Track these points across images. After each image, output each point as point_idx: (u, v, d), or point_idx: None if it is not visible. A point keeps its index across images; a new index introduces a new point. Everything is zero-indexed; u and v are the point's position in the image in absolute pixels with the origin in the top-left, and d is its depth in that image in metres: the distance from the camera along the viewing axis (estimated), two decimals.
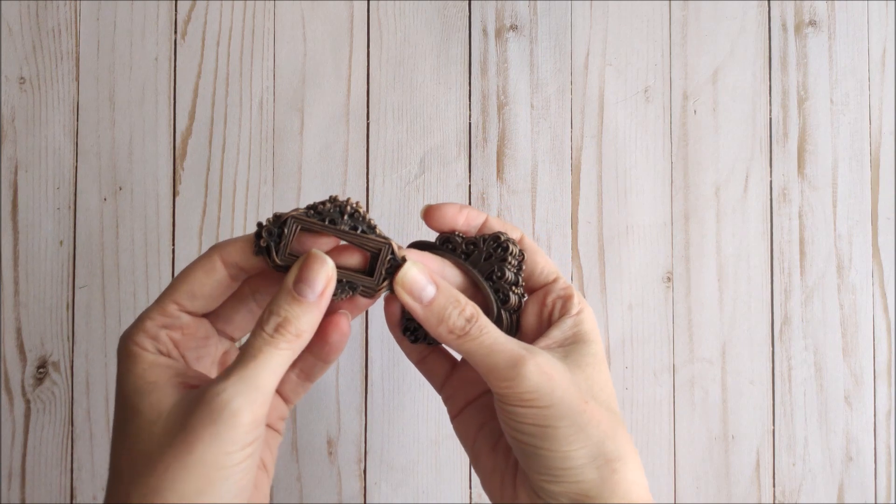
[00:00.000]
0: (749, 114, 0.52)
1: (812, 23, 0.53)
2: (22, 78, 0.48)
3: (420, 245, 0.35)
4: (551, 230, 0.50)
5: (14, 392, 0.47)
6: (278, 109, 0.49)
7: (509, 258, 0.33)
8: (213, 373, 0.31)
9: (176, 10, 0.49)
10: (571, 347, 0.32)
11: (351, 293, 0.30)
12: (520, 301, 0.34)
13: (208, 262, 0.29)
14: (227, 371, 0.26)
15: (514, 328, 0.34)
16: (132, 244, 0.48)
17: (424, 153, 0.50)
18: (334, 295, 0.29)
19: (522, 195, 0.50)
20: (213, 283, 0.29)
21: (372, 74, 0.50)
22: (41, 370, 0.47)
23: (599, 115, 0.51)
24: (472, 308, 0.30)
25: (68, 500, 0.47)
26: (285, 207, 0.49)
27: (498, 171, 0.50)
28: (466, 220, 0.34)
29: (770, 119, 0.52)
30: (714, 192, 0.52)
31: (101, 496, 0.47)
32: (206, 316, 0.31)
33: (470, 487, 0.49)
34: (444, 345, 0.34)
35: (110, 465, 0.28)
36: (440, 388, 0.36)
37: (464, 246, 0.34)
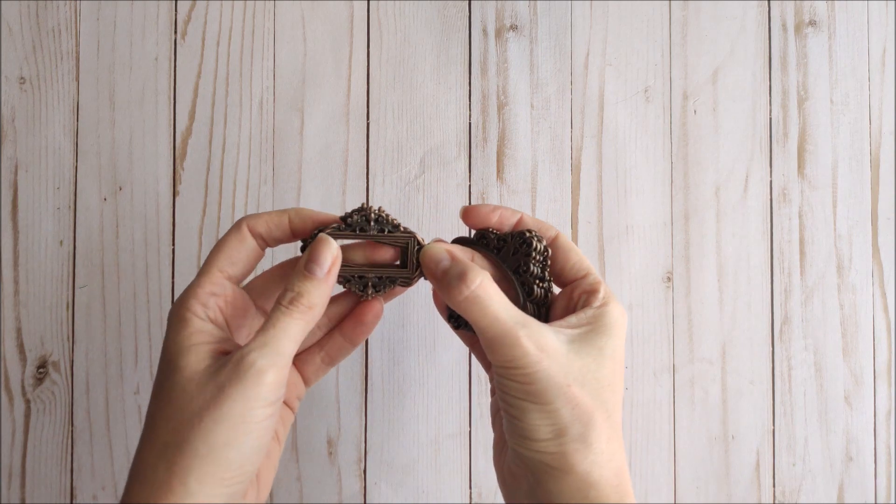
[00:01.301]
0: (749, 114, 0.52)
1: (812, 23, 0.53)
2: (22, 78, 0.48)
3: (458, 240, 0.38)
4: None
5: (14, 392, 0.47)
6: (278, 109, 0.49)
7: (533, 253, 0.36)
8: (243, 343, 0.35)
9: (176, 10, 0.49)
10: (582, 333, 0.33)
11: (392, 286, 0.36)
12: (545, 294, 0.36)
13: (239, 232, 0.34)
14: (253, 338, 0.30)
15: (541, 319, 0.36)
16: (132, 244, 0.48)
17: (424, 153, 0.50)
18: (377, 291, 0.35)
19: (522, 195, 0.50)
20: (245, 249, 0.34)
21: (372, 74, 0.50)
22: (41, 370, 0.47)
23: (599, 115, 0.51)
24: (481, 277, 0.32)
25: (68, 500, 0.47)
26: (285, 207, 0.49)
27: (498, 171, 0.50)
28: (500, 219, 0.37)
29: (770, 119, 0.52)
30: (714, 192, 0.52)
31: (101, 496, 0.47)
32: (246, 291, 0.35)
33: (470, 487, 0.49)
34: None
35: (147, 418, 0.31)
36: (488, 368, 0.38)
37: (496, 241, 0.37)
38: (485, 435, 0.49)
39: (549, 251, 0.37)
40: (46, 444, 0.47)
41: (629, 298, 0.51)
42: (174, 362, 0.30)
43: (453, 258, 0.34)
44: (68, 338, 0.48)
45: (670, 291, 0.51)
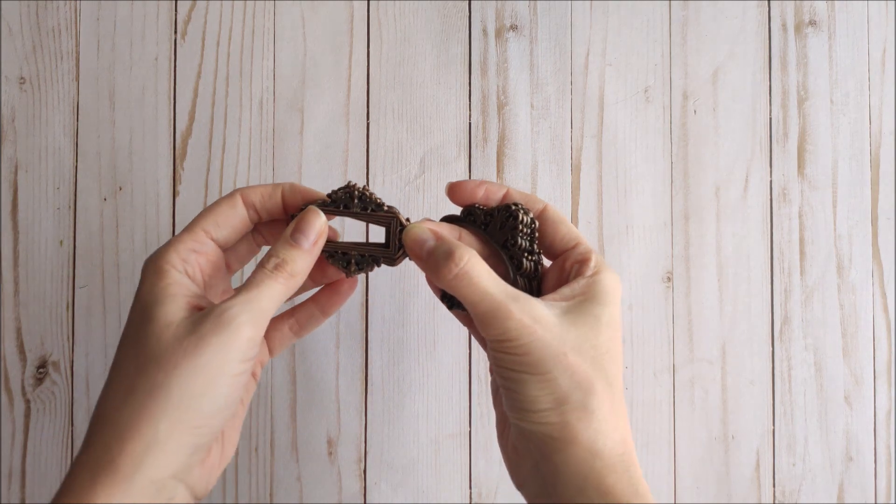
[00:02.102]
0: (749, 114, 0.52)
1: (812, 23, 0.53)
2: (22, 78, 0.48)
3: (446, 219, 0.38)
4: None
5: (14, 392, 0.47)
6: (278, 109, 0.49)
7: (519, 226, 0.35)
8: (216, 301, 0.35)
9: (176, 10, 0.49)
10: (576, 304, 0.33)
11: (375, 266, 0.36)
12: (535, 267, 0.36)
13: (232, 199, 0.35)
14: (234, 295, 0.31)
15: (534, 293, 0.36)
16: (132, 244, 0.48)
17: (424, 153, 0.50)
18: (360, 269, 0.36)
19: None
20: (234, 217, 0.34)
21: (372, 74, 0.50)
22: (41, 370, 0.47)
23: (599, 115, 0.51)
24: (468, 255, 0.32)
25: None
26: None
27: (498, 171, 0.50)
28: (486, 194, 0.37)
29: (770, 119, 0.52)
30: (714, 192, 0.52)
31: None
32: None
33: (470, 487, 0.49)
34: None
35: (114, 365, 0.31)
36: (486, 347, 0.38)
37: (483, 217, 0.37)
38: (485, 435, 0.49)
39: (537, 223, 0.36)
40: (46, 444, 0.47)
41: (629, 298, 0.51)
42: (149, 311, 0.30)
43: (438, 237, 0.34)
44: (68, 338, 0.48)
45: (670, 291, 0.51)
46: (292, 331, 0.38)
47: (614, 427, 0.32)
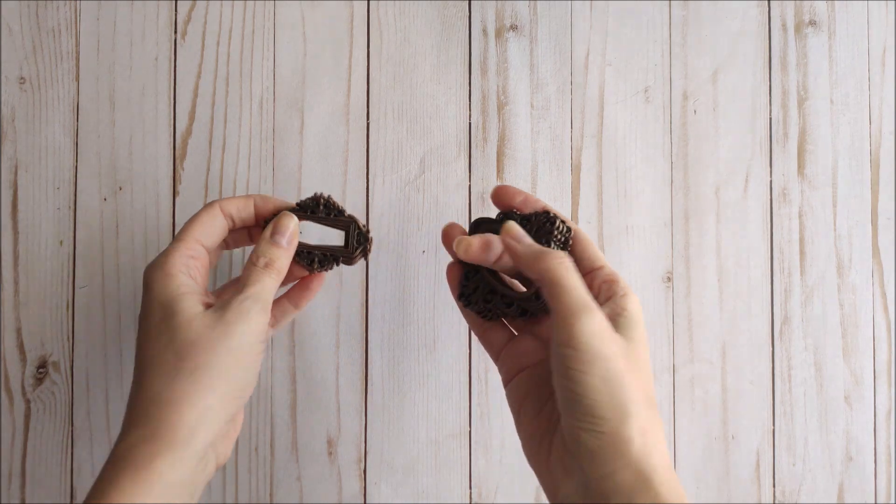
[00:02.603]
0: (749, 114, 0.52)
1: (812, 23, 0.53)
2: (22, 78, 0.48)
3: (482, 220, 0.41)
4: None
5: (14, 392, 0.47)
6: (278, 109, 0.49)
7: (555, 232, 0.38)
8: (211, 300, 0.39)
9: (176, 10, 0.49)
10: (619, 324, 0.35)
11: (335, 263, 0.41)
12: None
13: (212, 210, 0.39)
14: (241, 292, 0.36)
15: None
16: (132, 244, 0.48)
17: (424, 153, 0.50)
18: (322, 267, 0.41)
19: None
20: (217, 226, 0.39)
21: (372, 74, 0.50)
22: (41, 370, 0.47)
23: (599, 115, 0.51)
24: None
25: (68, 501, 0.47)
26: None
27: (498, 171, 0.50)
28: (524, 201, 0.41)
29: (770, 119, 0.52)
30: (714, 192, 0.52)
31: None
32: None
33: (470, 487, 0.49)
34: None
35: (145, 358, 0.35)
36: (496, 358, 0.41)
37: (519, 220, 0.39)
38: (485, 435, 0.49)
39: (571, 232, 0.39)
40: (46, 444, 0.47)
41: None
42: (172, 306, 0.35)
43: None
44: (68, 338, 0.48)
45: (670, 291, 0.51)
46: (269, 324, 0.41)
47: (661, 441, 0.33)
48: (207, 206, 0.40)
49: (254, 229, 0.43)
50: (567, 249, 0.38)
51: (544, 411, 0.37)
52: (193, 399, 0.33)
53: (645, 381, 0.34)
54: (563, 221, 0.39)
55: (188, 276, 0.37)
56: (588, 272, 0.38)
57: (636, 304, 0.36)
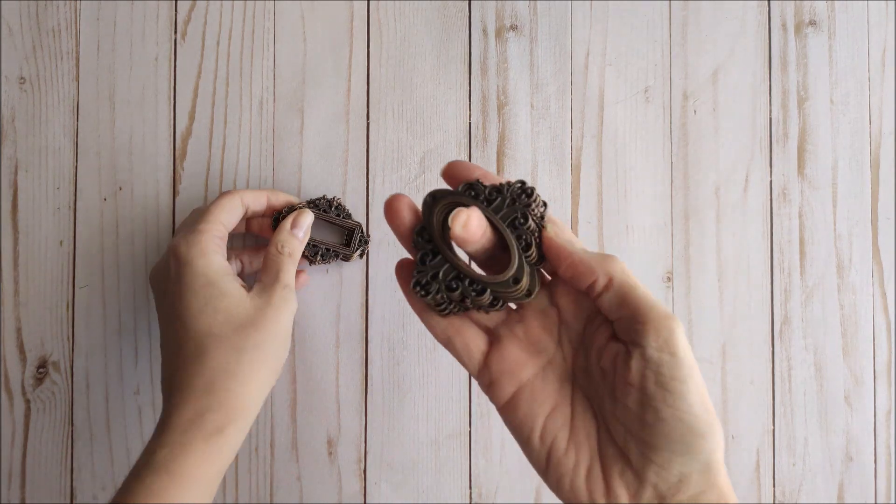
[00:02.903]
0: (749, 114, 0.52)
1: (812, 23, 0.53)
2: (22, 78, 0.48)
3: (440, 193, 0.33)
4: None
5: (14, 392, 0.47)
6: (278, 109, 0.49)
7: (533, 205, 0.32)
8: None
9: (176, 10, 0.49)
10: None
11: (335, 258, 0.47)
12: (540, 253, 0.32)
13: (234, 198, 0.43)
14: (277, 279, 0.41)
15: (535, 281, 0.32)
16: (132, 244, 0.48)
17: (424, 153, 0.50)
18: (324, 260, 0.46)
19: None
20: (235, 213, 0.43)
21: (372, 74, 0.50)
22: (41, 370, 0.47)
23: (599, 115, 0.51)
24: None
25: (68, 501, 0.47)
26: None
27: (498, 171, 0.50)
28: (484, 176, 0.34)
29: (770, 119, 0.52)
30: (714, 192, 0.52)
31: (101, 496, 0.47)
32: None
33: (470, 488, 0.49)
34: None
35: (202, 331, 0.38)
36: (478, 372, 0.33)
37: (487, 192, 0.32)
38: (485, 435, 0.49)
39: (547, 206, 0.33)
40: (46, 444, 0.47)
41: None
42: (220, 285, 0.39)
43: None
44: (68, 338, 0.48)
45: (670, 291, 0.51)
46: (236, 270, 0.47)
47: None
48: (228, 193, 0.43)
49: (251, 220, 0.46)
50: (543, 227, 0.32)
51: (582, 431, 0.31)
52: (256, 374, 0.37)
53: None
54: (545, 202, 0.33)
55: (222, 255, 0.40)
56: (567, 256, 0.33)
57: (626, 278, 0.32)
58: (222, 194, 0.43)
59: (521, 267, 0.31)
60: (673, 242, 0.51)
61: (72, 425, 0.48)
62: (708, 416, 0.28)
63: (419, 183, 0.50)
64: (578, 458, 0.30)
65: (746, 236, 0.52)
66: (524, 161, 0.50)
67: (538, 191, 0.33)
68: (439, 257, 0.33)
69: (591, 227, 0.51)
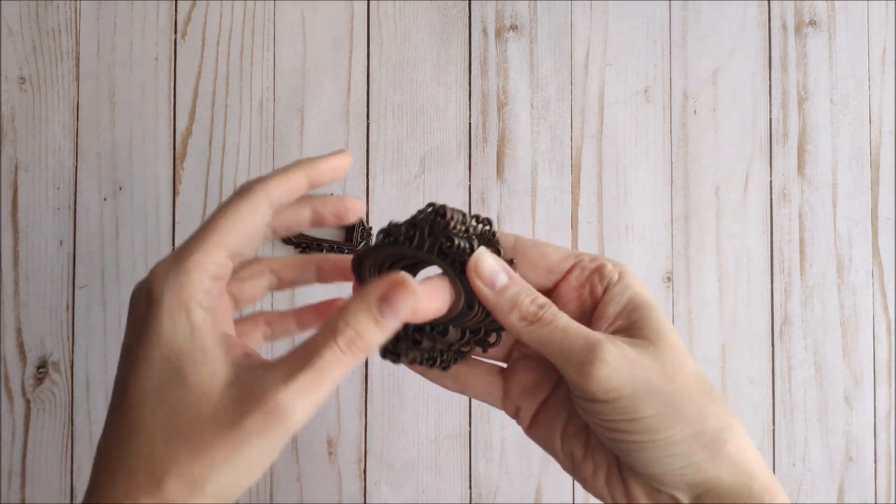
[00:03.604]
0: (749, 114, 0.52)
1: (812, 23, 0.53)
2: (22, 78, 0.48)
3: (363, 254, 0.29)
4: (551, 230, 0.50)
5: (14, 392, 0.47)
6: (278, 109, 0.49)
7: (452, 223, 0.28)
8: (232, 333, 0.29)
9: (176, 10, 0.49)
10: (635, 319, 0.29)
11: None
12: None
13: (254, 199, 0.27)
14: (287, 373, 0.25)
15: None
16: (132, 244, 0.48)
17: (424, 153, 0.50)
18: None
19: (522, 195, 0.50)
20: (256, 225, 0.27)
21: (372, 74, 0.50)
22: (41, 370, 0.47)
23: (599, 115, 0.51)
24: (543, 298, 0.29)
25: (68, 501, 0.47)
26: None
27: (498, 171, 0.50)
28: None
29: (770, 119, 0.52)
30: (714, 192, 0.52)
31: None
32: None
33: (470, 488, 0.49)
34: (511, 334, 0.30)
35: (128, 424, 0.25)
36: (503, 405, 0.32)
37: (405, 230, 0.28)
38: (485, 435, 0.49)
39: (489, 222, 0.29)
40: (46, 444, 0.47)
41: None
42: (182, 371, 0.25)
43: (510, 276, 0.29)
44: (68, 338, 0.48)
45: (670, 291, 0.51)
46: (264, 337, 0.34)
47: (745, 434, 0.28)
48: (246, 191, 0.27)
49: (282, 217, 0.30)
50: (487, 240, 0.29)
51: (592, 440, 0.30)
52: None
53: (693, 380, 0.28)
54: (456, 209, 0.28)
55: (207, 307, 0.26)
56: (565, 274, 0.31)
57: (637, 282, 0.30)
58: (240, 190, 0.28)
59: (469, 291, 0.28)
60: (673, 242, 0.51)
61: (72, 425, 0.48)
62: (688, 429, 0.27)
63: (419, 183, 0.50)
64: (596, 465, 0.30)
65: (746, 236, 0.52)
66: (524, 161, 0.50)
67: (449, 207, 0.28)
68: None
69: (591, 227, 0.51)
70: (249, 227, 0.27)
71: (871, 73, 0.53)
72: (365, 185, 0.50)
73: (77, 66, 0.49)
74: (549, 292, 0.31)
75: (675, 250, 0.51)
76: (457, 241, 0.27)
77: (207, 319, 0.26)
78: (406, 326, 0.29)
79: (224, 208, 0.27)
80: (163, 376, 0.25)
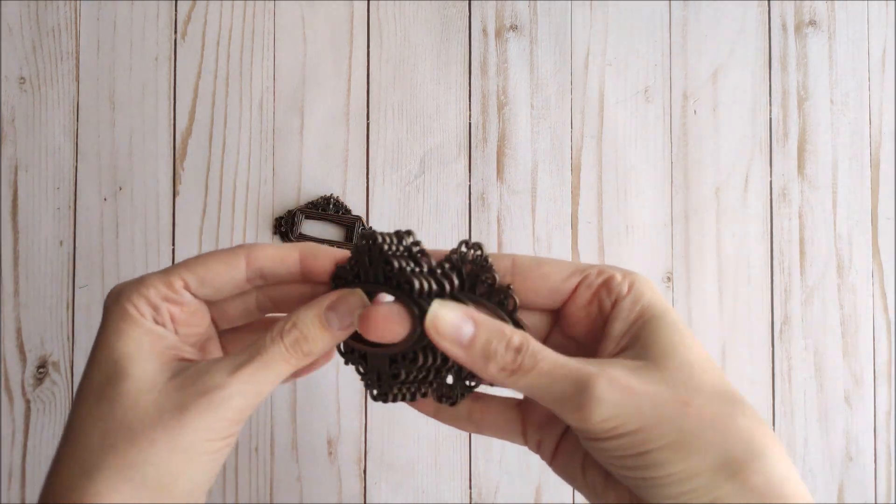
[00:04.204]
0: (749, 114, 0.52)
1: (812, 23, 0.53)
2: (22, 78, 0.48)
3: (340, 279, 0.29)
4: (551, 230, 0.50)
5: (14, 392, 0.47)
6: (278, 109, 0.49)
7: (385, 247, 0.27)
8: (193, 354, 0.29)
9: (176, 10, 0.49)
10: (642, 336, 0.26)
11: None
12: (441, 285, 0.27)
13: (232, 258, 0.28)
14: (234, 365, 0.26)
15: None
16: (132, 244, 0.48)
17: (424, 153, 0.50)
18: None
19: (522, 195, 0.50)
20: (228, 279, 0.28)
21: (372, 74, 0.50)
22: (41, 370, 0.47)
23: (599, 115, 0.51)
24: (519, 336, 0.25)
25: None
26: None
27: (498, 171, 0.50)
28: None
29: (770, 119, 0.52)
30: (714, 192, 0.52)
31: None
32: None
33: (470, 487, 0.49)
34: (495, 385, 0.28)
35: (73, 425, 0.26)
36: (523, 440, 0.30)
37: (350, 267, 0.28)
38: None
39: (479, 246, 0.27)
40: (46, 444, 0.47)
41: None
42: (123, 369, 0.26)
43: (476, 322, 0.26)
44: (68, 338, 0.48)
45: (670, 291, 0.51)
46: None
47: (783, 460, 0.24)
48: (231, 249, 0.29)
49: (277, 291, 0.31)
50: (423, 258, 0.27)
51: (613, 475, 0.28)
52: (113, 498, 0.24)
53: (713, 398, 0.25)
54: (388, 233, 0.27)
55: (154, 321, 0.27)
56: (572, 292, 0.28)
57: (648, 290, 0.27)
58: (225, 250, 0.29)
59: (420, 309, 0.26)
60: (673, 242, 0.51)
61: None
62: (708, 458, 0.24)
63: (419, 183, 0.50)
64: (618, 495, 0.27)
65: (746, 236, 0.52)
66: (524, 161, 0.51)
67: (380, 232, 0.27)
68: (367, 355, 0.29)
69: (591, 227, 0.51)
70: (215, 272, 0.28)
71: (871, 73, 0.53)
72: (365, 185, 0.50)
73: (77, 66, 0.49)
74: (555, 311, 0.29)
75: (675, 250, 0.51)
76: (395, 263, 0.26)
77: (156, 328, 0.27)
78: (382, 366, 0.28)
79: (202, 254, 0.29)
80: (105, 375, 0.26)
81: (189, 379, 0.26)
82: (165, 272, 0.28)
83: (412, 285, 0.26)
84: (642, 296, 0.27)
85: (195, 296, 0.28)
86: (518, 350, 0.25)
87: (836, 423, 0.52)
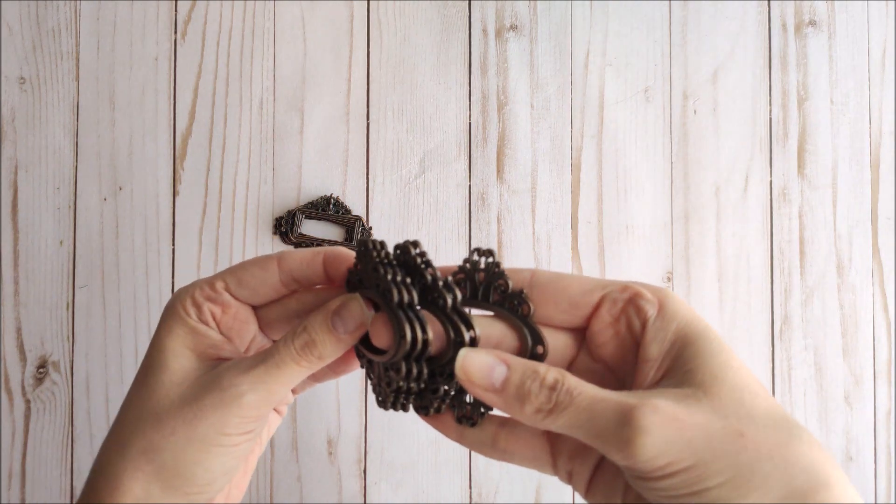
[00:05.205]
0: (749, 114, 0.52)
1: (812, 23, 0.53)
2: (22, 78, 0.48)
3: (352, 280, 0.30)
4: (551, 230, 0.50)
5: (14, 392, 0.47)
6: (278, 109, 0.49)
7: (373, 254, 0.27)
8: (233, 354, 0.31)
9: (176, 10, 0.49)
10: (683, 361, 0.25)
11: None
12: (409, 295, 0.26)
13: (266, 260, 0.30)
14: (248, 365, 0.28)
15: (457, 328, 0.26)
16: (132, 244, 0.48)
17: (424, 153, 0.50)
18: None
19: (522, 195, 0.50)
20: (261, 280, 0.30)
21: (372, 74, 0.50)
22: (41, 370, 0.47)
23: (599, 115, 0.51)
24: (554, 373, 0.24)
25: (68, 501, 0.47)
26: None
27: (498, 171, 0.50)
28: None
29: (770, 119, 0.52)
30: (714, 192, 0.52)
31: None
32: (254, 309, 0.32)
33: (470, 487, 0.49)
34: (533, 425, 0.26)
35: (123, 406, 0.30)
36: (553, 470, 0.29)
37: (354, 276, 0.29)
38: None
39: (491, 253, 0.27)
40: (46, 444, 0.47)
41: None
42: (163, 360, 0.29)
43: (509, 364, 0.25)
44: (68, 338, 0.48)
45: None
46: (309, 380, 0.34)
47: (846, 486, 0.23)
48: (266, 256, 0.31)
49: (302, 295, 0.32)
50: (409, 266, 0.27)
51: None
52: (135, 486, 0.27)
53: (768, 426, 0.23)
54: (378, 241, 0.27)
55: (199, 320, 0.30)
56: (594, 309, 0.27)
57: (682, 308, 0.25)
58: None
59: (397, 319, 0.26)
60: (673, 242, 0.51)
61: (72, 425, 0.48)
62: (770, 488, 0.22)
63: (419, 183, 0.50)
64: None
65: (746, 236, 0.52)
66: (524, 161, 0.51)
67: (373, 241, 0.27)
68: (373, 361, 0.29)
69: (591, 227, 0.51)
70: (251, 275, 0.30)
71: (871, 73, 0.53)
72: (365, 184, 0.50)
73: (77, 66, 0.49)
74: (581, 331, 0.28)
75: (675, 250, 0.51)
76: (381, 271, 0.26)
77: (199, 326, 0.30)
78: (379, 374, 0.29)
79: (245, 261, 0.31)
80: (149, 365, 0.29)
81: (210, 375, 0.28)
82: (211, 276, 0.31)
83: (391, 293, 0.26)
84: (676, 314, 0.25)
85: (235, 297, 0.31)
86: (553, 388, 0.24)
87: (835, 423, 0.52)
